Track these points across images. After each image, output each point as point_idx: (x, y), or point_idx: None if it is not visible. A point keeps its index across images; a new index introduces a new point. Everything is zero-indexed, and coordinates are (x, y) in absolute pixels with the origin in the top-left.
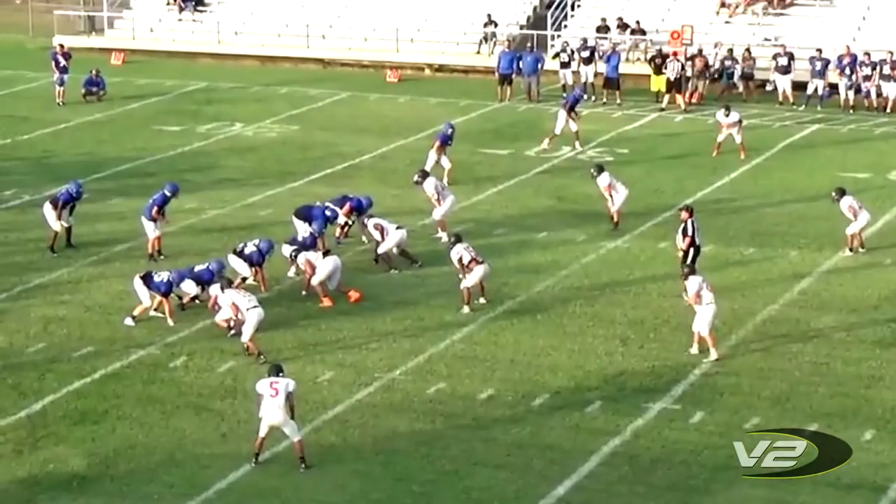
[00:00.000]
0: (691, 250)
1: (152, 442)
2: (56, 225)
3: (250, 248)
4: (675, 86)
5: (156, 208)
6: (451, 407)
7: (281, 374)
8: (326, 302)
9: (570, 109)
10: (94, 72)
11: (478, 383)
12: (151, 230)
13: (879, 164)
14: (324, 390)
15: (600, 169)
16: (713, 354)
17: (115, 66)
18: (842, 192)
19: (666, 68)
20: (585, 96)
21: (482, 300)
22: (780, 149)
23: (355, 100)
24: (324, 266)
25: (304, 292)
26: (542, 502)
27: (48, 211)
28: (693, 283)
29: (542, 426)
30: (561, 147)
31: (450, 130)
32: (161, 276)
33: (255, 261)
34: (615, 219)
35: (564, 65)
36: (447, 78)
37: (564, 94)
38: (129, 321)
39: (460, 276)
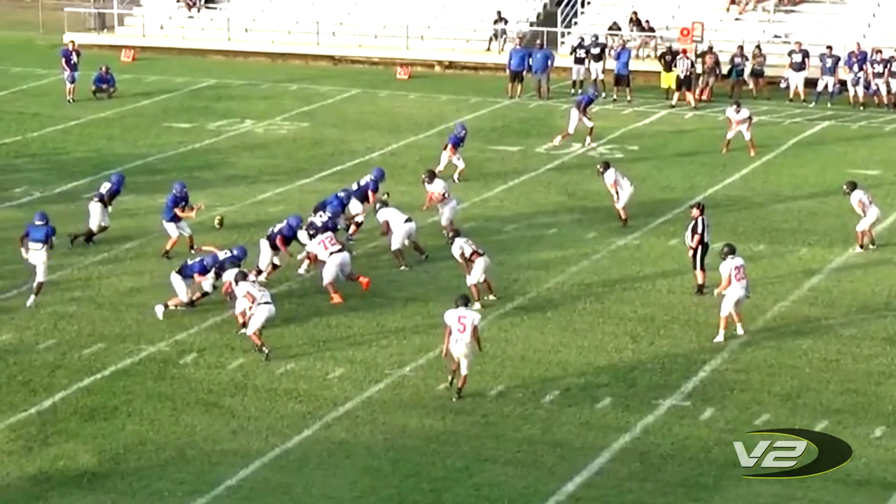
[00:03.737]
0: (700, 248)
1: (162, 438)
2: (99, 223)
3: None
4: (686, 83)
5: (176, 208)
6: (461, 403)
7: (468, 306)
8: (337, 298)
9: (583, 109)
10: (104, 69)
11: (488, 380)
12: (174, 231)
13: (890, 161)
14: (334, 387)
15: (606, 165)
16: (740, 330)
17: (125, 63)
18: (853, 186)
19: (676, 66)
20: (598, 96)
21: (491, 297)
22: (790, 146)
23: (365, 97)
24: (332, 263)
25: (301, 270)
26: (552, 499)
27: (96, 208)
28: (726, 265)
29: (552, 422)
30: (571, 144)
31: (462, 132)
32: (194, 260)
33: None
34: (622, 216)
35: (579, 60)
36: (457, 75)
37: (576, 91)
38: (160, 308)
39: (466, 273)
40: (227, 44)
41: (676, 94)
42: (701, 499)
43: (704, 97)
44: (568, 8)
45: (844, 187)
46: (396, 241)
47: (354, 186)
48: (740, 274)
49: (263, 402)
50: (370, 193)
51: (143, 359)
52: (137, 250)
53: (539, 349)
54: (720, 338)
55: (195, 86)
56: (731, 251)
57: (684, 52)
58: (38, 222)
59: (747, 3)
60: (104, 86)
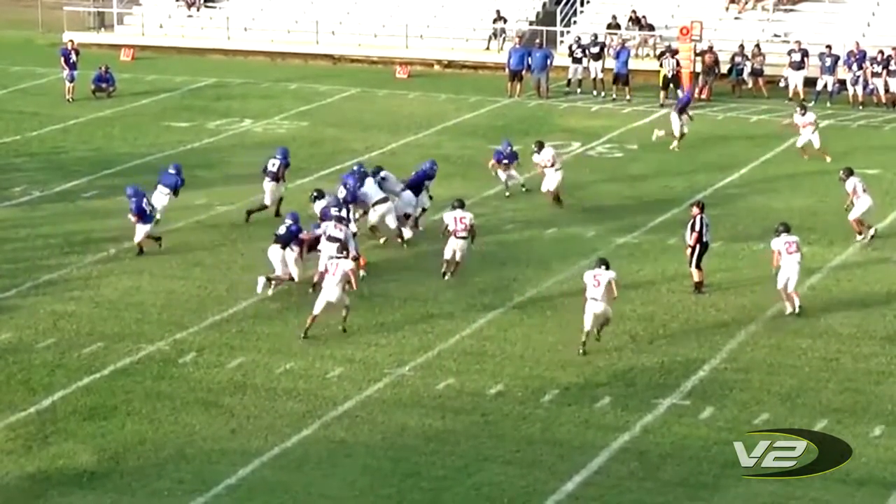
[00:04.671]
0: (698, 246)
1: (162, 438)
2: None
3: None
4: (673, 82)
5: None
6: (460, 403)
7: (605, 266)
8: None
9: (682, 111)
10: (103, 68)
11: (487, 379)
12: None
13: (889, 160)
14: (333, 386)
15: (850, 172)
16: (788, 309)
17: (124, 63)
18: (849, 172)
19: (662, 65)
20: (691, 97)
21: (448, 276)
22: (790, 144)
23: (365, 96)
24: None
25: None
26: (552, 498)
27: (269, 186)
28: (777, 242)
29: (551, 422)
30: (570, 143)
31: (508, 149)
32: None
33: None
34: (854, 227)
35: (576, 60)
36: (456, 74)
37: (571, 90)
38: (261, 281)
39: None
40: (227, 43)
41: (662, 94)
42: (700, 498)
43: (704, 96)
44: (567, 7)
45: (841, 173)
46: (372, 220)
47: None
48: (792, 248)
49: (262, 402)
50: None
51: (142, 358)
52: (137, 249)
53: (538, 348)
54: (788, 310)
55: (194, 85)
56: (786, 229)
57: (668, 50)
58: (171, 171)
59: (747, 2)
60: (104, 85)
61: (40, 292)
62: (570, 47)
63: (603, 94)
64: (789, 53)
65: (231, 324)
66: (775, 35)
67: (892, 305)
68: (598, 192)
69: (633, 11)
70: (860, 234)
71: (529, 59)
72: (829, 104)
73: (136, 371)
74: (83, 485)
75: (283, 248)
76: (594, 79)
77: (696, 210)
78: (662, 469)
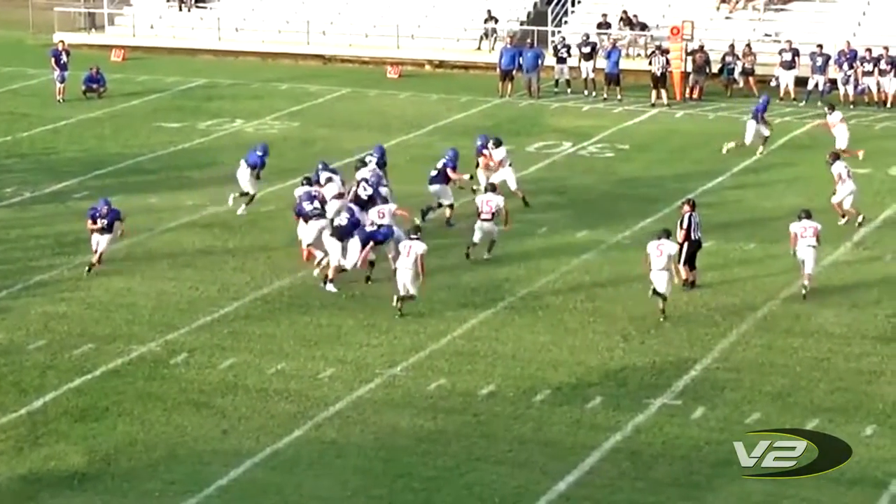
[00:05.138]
0: (687, 244)
1: (153, 439)
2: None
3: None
4: (661, 81)
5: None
6: (451, 403)
7: (669, 237)
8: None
9: (760, 118)
10: (94, 69)
11: (479, 379)
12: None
13: (880, 160)
14: (324, 386)
15: (498, 143)
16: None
17: (115, 63)
18: (836, 157)
19: (651, 64)
20: (769, 100)
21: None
22: (781, 144)
23: (356, 96)
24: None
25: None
26: (544, 498)
27: (244, 171)
28: (796, 225)
29: (543, 422)
30: (562, 143)
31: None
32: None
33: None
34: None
35: (561, 60)
36: (447, 74)
37: (560, 91)
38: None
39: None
40: (218, 43)
41: (654, 93)
42: (692, 497)
43: (695, 96)
44: (558, 7)
45: (828, 157)
46: None
47: (433, 172)
48: (808, 233)
49: (254, 402)
50: (450, 172)
51: (133, 359)
52: (128, 250)
53: (530, 348)
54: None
55: (185, 85)
56: (807, 216)
57: (659, 49)
58: (257, 151)
59: (737, 2)
60: (94, 86)
61: (31, 293)
62: (554, 47)
63: (594, 93)
64: (780, 53)
65: (222, 325)
66: (766, 34)
67: (883, 305)
68: (590, 192)
69: (624, 11)
70: (843, 216)
71: (521, 58)
72: (820, 103)
73: (127, 372)
74: (74, 486)
75: (341, 239)
76: (585, 78)
77: (686, 208)
78: (654, 469)
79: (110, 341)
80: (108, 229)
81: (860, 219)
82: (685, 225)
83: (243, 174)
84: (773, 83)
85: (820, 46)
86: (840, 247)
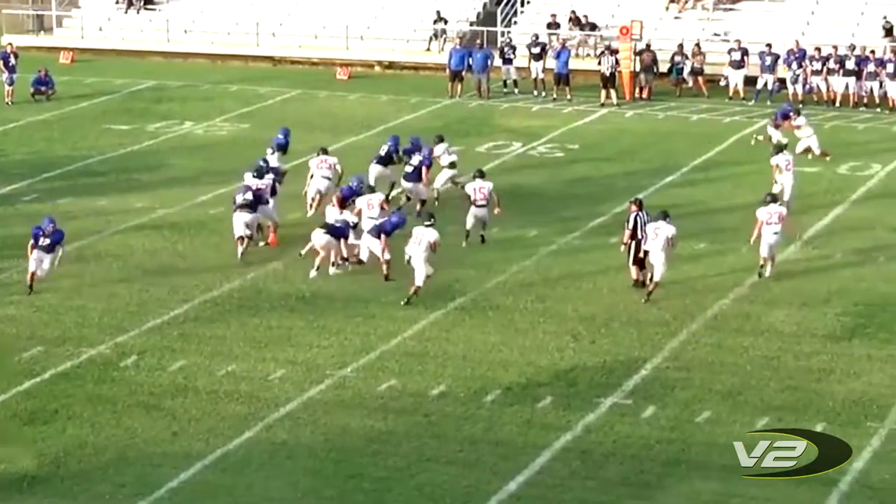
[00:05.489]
0: (634, 244)
1: (103, 441)
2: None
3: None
4: (610, 81)
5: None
6: (402, 404)
7: (667, 219)
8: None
9: (781, 122)
10: (42, 71)
11: (429, 380)
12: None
13: (829, 159)
14: (275, 388)
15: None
16: (768, 271)
17: (63, 65)
18: (779, 149)
19: (601, 63)
20: (791, 108)
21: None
22: (730, 143)
23: (306, 97)
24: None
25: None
26: (494, 498)
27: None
28: (762, 210)
29: (493, 422)
30: (511, 143)
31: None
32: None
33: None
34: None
35: (507, 61)
36: (397, 75)
37: (509, 91)
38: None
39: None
40: (167, 45)
41: (603, 93)
42: (642, 496)
43: (644, 96)
44: (507, 7)
45: (772, 148)
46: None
47: (409, 169)
48: (773, 219)
49: (204, 404)
50: (424, 170)
51: (83, 362)
52: (77, 253)
53: (480, 349)
54: (766, 273)
55: (134, 87)
56: (773, 200)
57: (608, 49)
58: (279, 135)
59: (687, 2)
60: (43, 88)
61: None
62: (501, 49)
63: (543, 94)
64: (729, 52)
65: (172, 327)
66: (715, 34)
67: (833, 304)
68: (540, 192)
69: (573, 11)
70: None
71: (470, 59)
72: (769, 102)
73: (76, 375)
74: (24, 489)
75: (377, 237)
76: (535, 79)
77: (633, 207)
78: (605, 468)
79: (59, 344)
80: (51, 249)
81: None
82: (631, 225)
83: (273, 160)
84: (722, 83)
85: (769, 46)
86: (790, 246)
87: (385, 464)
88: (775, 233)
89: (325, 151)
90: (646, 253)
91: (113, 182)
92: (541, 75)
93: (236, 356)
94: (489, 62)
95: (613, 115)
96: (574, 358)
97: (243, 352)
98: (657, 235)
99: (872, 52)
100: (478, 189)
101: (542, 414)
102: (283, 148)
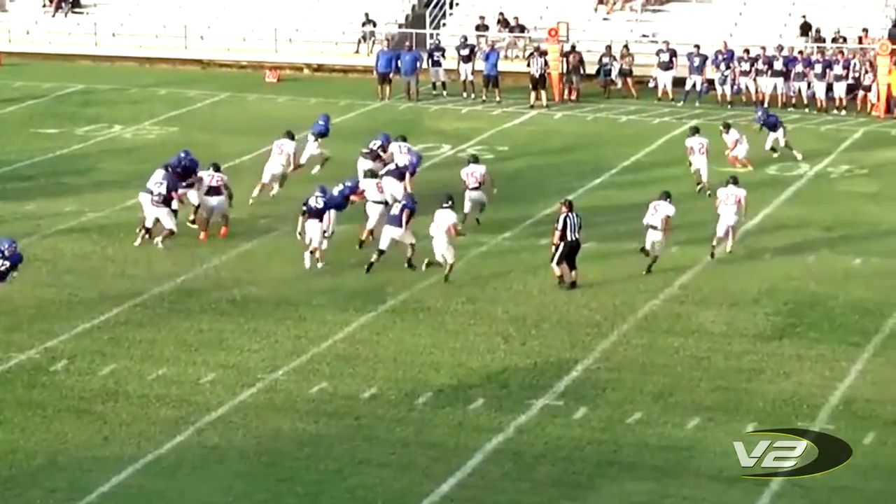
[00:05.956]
0: (562, 245)
1: (33, 446)
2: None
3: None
4: (540, 82)
5: None
6: (334, 407)
7: (668, 199)
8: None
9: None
10: None
11: (360, 382)
12: None
13: (757, 159)
14: (206, 392)
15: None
16: (728, 246)
17: None
18: (695, 131)
19: (530, 65)
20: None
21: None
22: (659, 144)
23: (235, 100)
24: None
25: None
26: (427, 500)
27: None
28: (723, 191)
29: (425, 424)
30: (441, 145)
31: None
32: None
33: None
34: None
35: (436, 63)
36: (326, 77)
37: (438, 93)
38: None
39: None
40: (95, 48)
41: (533, 95)
42: (574, 497)
43: (573, 97)
44: (436, 9)
45: (688, 130)
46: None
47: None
48: (730, 200)
49: (135, 408)
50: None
51: (12, 367)
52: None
53: (411, 351)
54: (717, 254)
55: (62, 91)
56: (735, 182)
57: (537, 51)
58: (320, 121)
59: (615, 3)
60: None
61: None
62: (429, 52)
63: (473, 96)
64: (658, 54)
65: (102, 331)
66: (643, 35)
67: (763, 303)
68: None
69: (501, 13)
70: (699, 184)
71: (398, 61)
72: (697, 104)
73: (6, 380)
74: None
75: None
76: (464, 81)
77: (563, 208)
78: (537, 469)
79: None
80: (5, 275)
81: (699, 187)
82: (560, 225)
83: (311, 146)
84: (650, 84)
85: (697, 47)
86: (720, 246)
87: (317, 467)
88: (735, 213)
89: (290, 136)
90: (571, 250)
91: (41, 186)
92: (470, 77)
93: (167, 360)
94: (418, 64)
95: (543, 116)
96: (505, 359)
97: (174, 355)
98: (656, 211)
99: (800, 52)
100: (470, 174)
101: (474, 416)
102: (323, 135)
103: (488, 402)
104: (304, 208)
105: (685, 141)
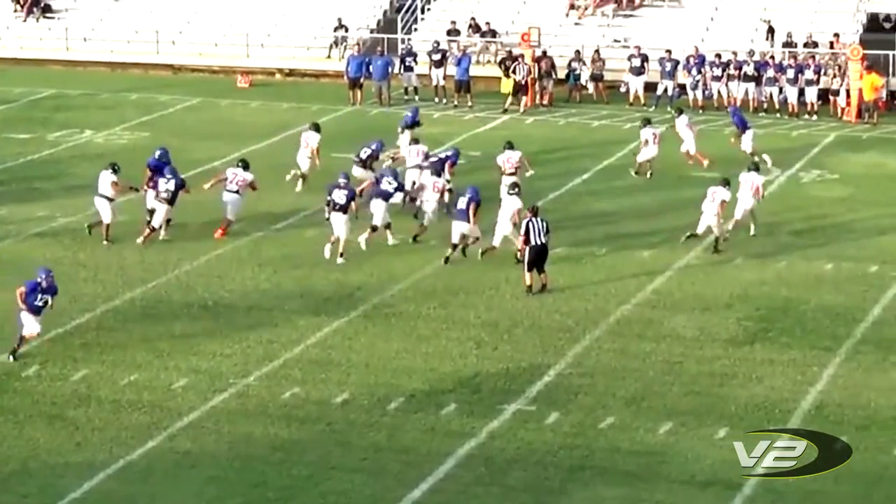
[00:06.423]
0: (528, 249)
1: (5, 452)
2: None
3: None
4: (524, 89)
5: None
6: (306, 412)
7: (727, 186)
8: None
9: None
10: None
11: (333, 388)
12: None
13: (728, 164)
14: (178, 397)
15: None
16: (752, 231)
17: None
18: (646, 122)
19: (514, 72)
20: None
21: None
22: (631, 149)
23: (206, 106)
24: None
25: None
26: None
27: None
28: (747, 177)
29: (397, 429)
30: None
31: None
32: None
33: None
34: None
35: (408, 69)
36: (298, 82)
37: (410, 98)
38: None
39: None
40: (66, 53)
41: (511, 99)
42: (547, 502)
43: (545, 102)
44: (408, 14)
45: (641, 122)
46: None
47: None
48: (750, 186)
49: (107, 414)
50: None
51: None
52: None
53: (383, 356)
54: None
55: (34, 96)
56: (756, 168)
57: (522, 57)
58: (408, 113)
59: (586, 8)
60: None
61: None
62: (401, 57)
63: (444, 101)
64: (629, 59)
65: (74, 336)
66: (615, 40)
67: (734, 308)
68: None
69: (473, 18)
70: (637, 173)
71: (369, 66)
72: (669, 108)
73: None
74: None
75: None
76: (436, 86)
77: (528, 213)
78: (509, 474)
79: None
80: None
81: (648, 174)
82: (523, 231)
83: (405, 139)
84: (622, 89)
85: (669, 52)
86: (691, 251)
87: (289, 472)
88: (752, 198)
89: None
90: (538, 255)
91: (13, 191)
92: (442, 82)
93: (139, 365)
94: (390, 69)
95: (515, 121)
96: (477, 365)
97: (146, 361)
98: (714, 199)
99: (772, 57)
100: (507, 160)
101: (446, 421)
102: (411, 126)
103: (460, 408)
104: (329, 199)
105: (641, 132)
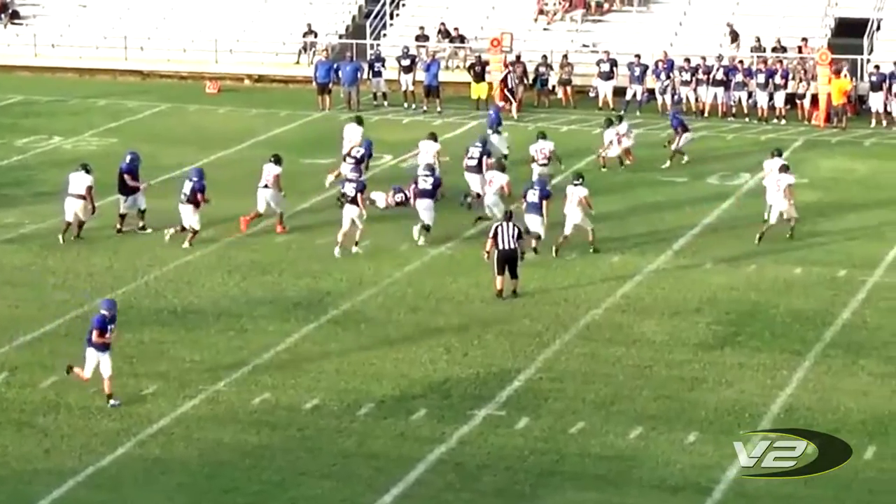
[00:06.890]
0: (498, 253)
1: None
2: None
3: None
4: (512, 94)
5: None
6: (276, 417)
7: (788, 171)
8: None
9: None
10: None
11: (302, 393)
12: None
13: (696, 169)
14: (148, 403)
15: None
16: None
17: None
18: (609, 123)
19: (507, 79)
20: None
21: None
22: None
23: (175, 111)
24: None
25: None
26: None
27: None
28: (770, 180)
29: (367, 435)
30: (382, 156)
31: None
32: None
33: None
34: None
35: (377, 74)
36: (267, 88)
37: (379, 104)
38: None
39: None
40: (34, 59)
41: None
42: None
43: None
44: (377, 20)
45: (604, 122)
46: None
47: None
48: (779, 185)
49: (76, 421)
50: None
51: None
52: None
53: (354, 362)
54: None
55: (1, 102)
56: (786, 169)
57: (513, 64)
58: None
59: (555, 14)
60: None
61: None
62: (369, 62)
63: (414, 106)
64: (598, 63)
65: (43, 343)
66: (584, 45)
67: (704, 312)
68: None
69: (443, 24)
70: (604, 165)
71: (338, 72)
72: (638, 113)
73: None
74: None
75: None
76: (405, 91)
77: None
78: (479, 480)
79: None
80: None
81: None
82: (491, 234)
83: (497, 140)
84: (591, 94)
85: (638, 57)
86: (661, 255)
87: (259, 478)
88: (783, 199)
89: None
90: (507, 259)
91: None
92: (411, 87)
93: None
94: (358, 75)
95: (483, 127)
96: (447, 370)
97: (115, 367)
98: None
99: (741, 62)
100: (539, 150)
101: (416, 426)
102: (494, 125)
103: (430, 413)
104: (342, 192)
105: (604, 134)
